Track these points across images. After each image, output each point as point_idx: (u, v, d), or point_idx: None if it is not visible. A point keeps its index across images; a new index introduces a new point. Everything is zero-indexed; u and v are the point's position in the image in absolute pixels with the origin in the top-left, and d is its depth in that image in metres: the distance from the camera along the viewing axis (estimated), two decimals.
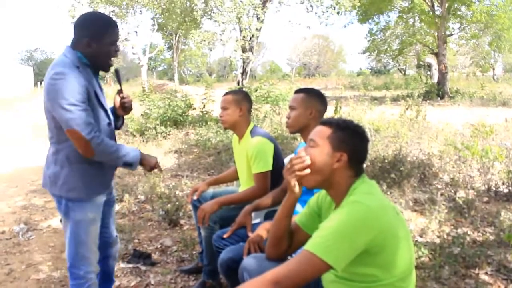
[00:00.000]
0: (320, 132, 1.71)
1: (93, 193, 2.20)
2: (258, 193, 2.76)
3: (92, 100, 2.10)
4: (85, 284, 2.24)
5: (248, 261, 1.94)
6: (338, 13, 13.96)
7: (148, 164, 2.29)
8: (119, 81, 2.42)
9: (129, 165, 2.19)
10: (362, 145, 1.72)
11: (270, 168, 2.84)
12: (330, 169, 1.66)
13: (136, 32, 22.79)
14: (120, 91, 2.39)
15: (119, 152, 2.12)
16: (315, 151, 1.69)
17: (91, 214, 2.20)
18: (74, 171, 2.14)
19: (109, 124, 2.26)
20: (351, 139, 1.68)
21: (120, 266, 3.38)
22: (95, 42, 2.10)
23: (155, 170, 2.34)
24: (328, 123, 1.73)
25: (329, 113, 7.91)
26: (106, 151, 2.08)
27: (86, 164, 2.15)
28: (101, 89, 2.27)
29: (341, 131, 1.69)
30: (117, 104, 2.39)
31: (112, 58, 2.19)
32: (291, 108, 2.54)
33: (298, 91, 2.60)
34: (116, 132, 2.42)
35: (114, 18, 18.56)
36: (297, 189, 1.76)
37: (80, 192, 2.16)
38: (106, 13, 17.78)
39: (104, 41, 2.11)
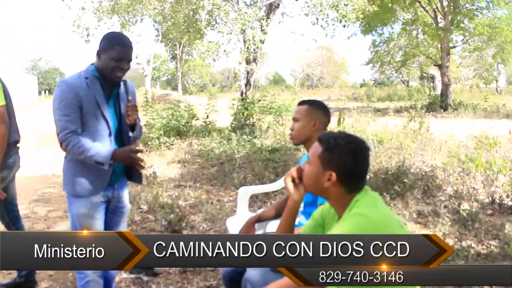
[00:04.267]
0: (314, 150, 1.71)
1: (81, 192, 2.40)
2: None
3: (85, 109, 2.31)
4: (85, 279, 2.42)
5: (252, 273, 1.94)
6: (344, 26, 13.97)
7: (123, 161, 2.39)
8: (126, 91, 2.48)
9: (100, 163, 2.32)
10: (353, 164, 1.65)
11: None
12: (322, 187, 1.66)
13: (138, 42, 22.75)
14: (127, 101, 2.47)
15: (87, 153, 2.28)
16: (308, 168, 1.71)
17: (84, 210, 2.41)
18: (67, 167, 2.44)
19: (110, 134, 2.40)
20: (339, 158, 1.64)
21: (122, 276, 3.37)
22: (103, 54, 2.33)
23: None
24: (321, 140, 1.71)
25: (332, 125, 7.93)
26: (74, 152, 2.30)
27: (79, 164, 2.38)
28: (115, 101, 2.44)
29: (329, 150, 1.66)
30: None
31: (117, 73, 2.34)
32: (295, 119, 2.54)
33: (301, 103, 2.60)
34: None
35: (118, 28, 18.66)
36: (293, 191, 1.77)
37: (68, 187, 2.43)
38: (111, 23, 17.83)
39: (108, 55, 2.31)
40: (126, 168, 2.54)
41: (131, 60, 2.40)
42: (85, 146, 2.28)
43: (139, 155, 2.39)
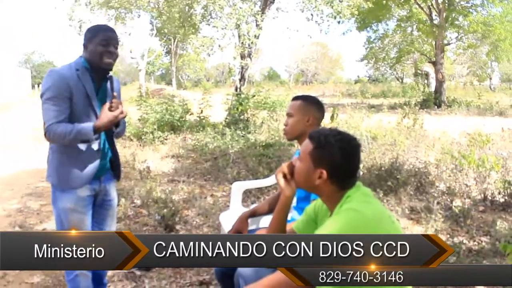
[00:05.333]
0: (305, 147, 1.71)
1: (65, 184, 2.37)
2: None
3: (75, 100, 2.30)
4: (73, 273, 2.40)
5: (244, 268, 1.94)
6: (338, 22, 13.97)
7: (108, 126, 2.32)
8: (111, 88, 2.44)
9: (85, 141, 2.32)
10: (344, 161, 1.65)
11: None
12: (313, 184, 1.67)
13: (130, 33, 22.48)
14: (112, 97, 2.41)
15: (70, 136, 2.24)
16: (299, 165, 1.71)
17: (69, 203, 2.36)
18: (52, 158, 2.40)
19: None
20: (330, 156, 1.64)
21: (114, 270, 3.37)
22: (89, 44, 2.33)
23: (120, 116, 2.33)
24: (312, 137, 1.70)
25: (326, 120, 7.92)
26: (58, 139, 2.26)
27: (64, 155, 2.36)
28: (103, 95, 2.40)
29: (320, 147, 1.66)
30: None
31: (106, 59, 2.31)
32: (289, 115, 2.54)
33: (295, 98, 2.60)
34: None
35: (113, 21, 18.52)
36: (284, 187, 1.77)
37: (52, 178, 2.40)
38: (106, 17, 17.79)
39: (94, 42, 2.31)
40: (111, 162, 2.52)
41: (117, 45, 2.38)
42: (66, 130, 2.24)
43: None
